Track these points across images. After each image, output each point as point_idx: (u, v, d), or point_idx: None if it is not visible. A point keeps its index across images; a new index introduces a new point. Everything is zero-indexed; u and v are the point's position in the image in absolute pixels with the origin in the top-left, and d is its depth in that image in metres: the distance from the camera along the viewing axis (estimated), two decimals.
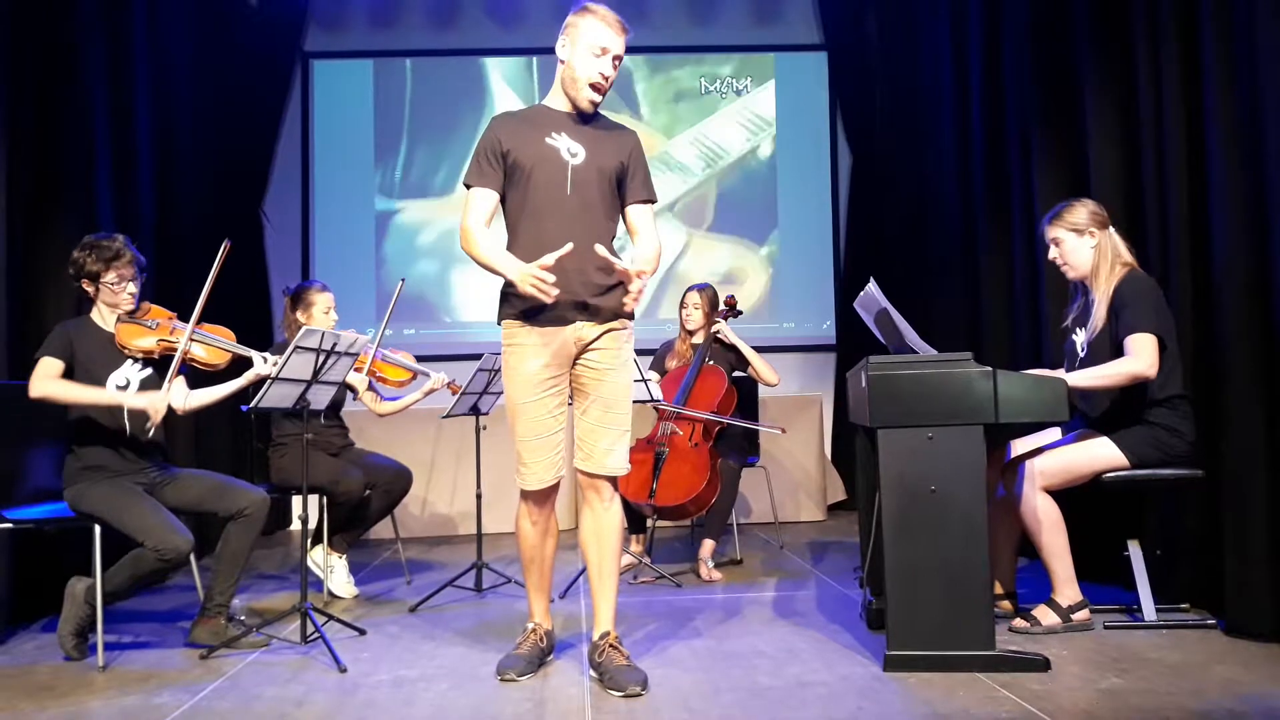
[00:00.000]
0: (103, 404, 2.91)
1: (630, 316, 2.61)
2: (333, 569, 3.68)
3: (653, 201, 2.67)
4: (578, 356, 2.58)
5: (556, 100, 2.62)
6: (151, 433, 2.96)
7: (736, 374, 4.20)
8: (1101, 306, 2.94)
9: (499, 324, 2.61)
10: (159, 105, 4.42)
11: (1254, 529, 2.73)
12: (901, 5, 5.61)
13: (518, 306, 2.53)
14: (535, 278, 2.35)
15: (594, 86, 2.54)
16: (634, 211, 2.65)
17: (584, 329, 2.54)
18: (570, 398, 2.64)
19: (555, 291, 2.37)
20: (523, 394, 2.55)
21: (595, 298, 2.54)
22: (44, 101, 3.55)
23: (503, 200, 2.59)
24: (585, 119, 2.60)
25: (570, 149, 2.55)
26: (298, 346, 2.80)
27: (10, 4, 3.31)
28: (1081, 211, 3.00)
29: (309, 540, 3.17)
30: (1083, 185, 3.56)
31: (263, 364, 3.06)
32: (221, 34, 5.26)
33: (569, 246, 2.39)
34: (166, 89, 4.51)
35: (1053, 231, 3.04)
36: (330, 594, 3.65)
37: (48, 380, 2.87)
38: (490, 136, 2.57)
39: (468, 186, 2.58)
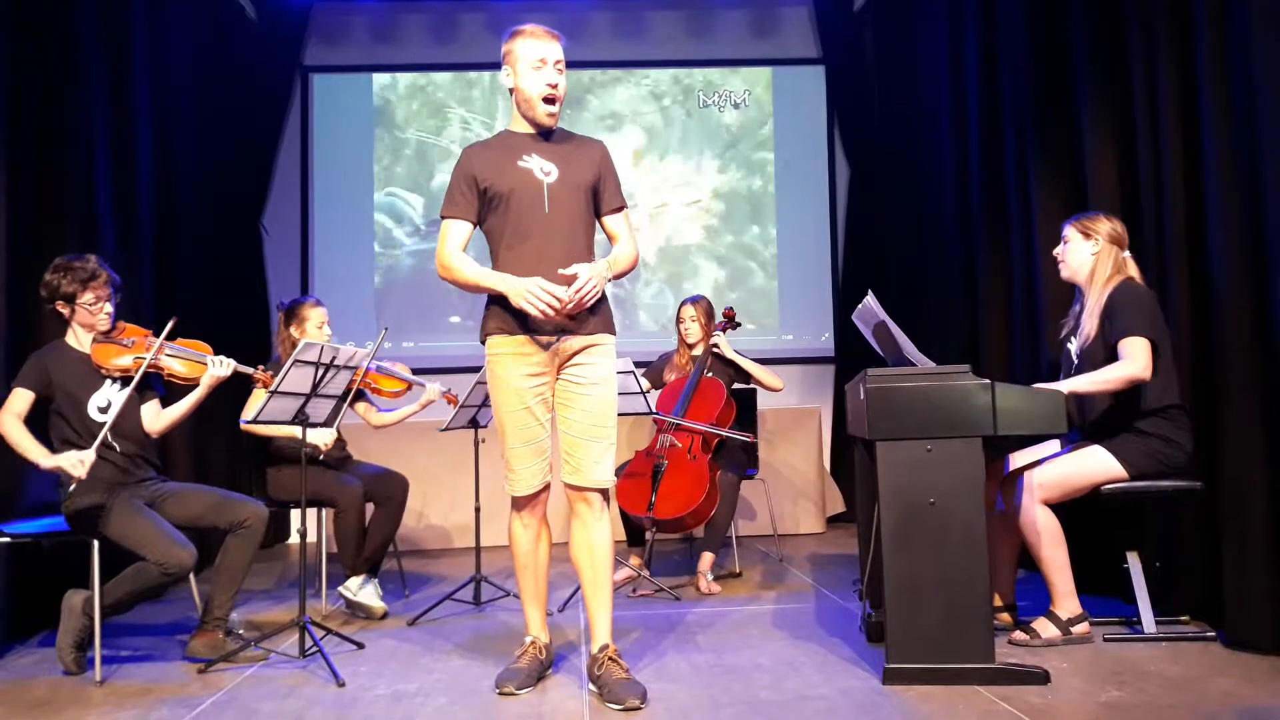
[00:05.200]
0: (28, 459, 2.79)
1: (612, 330, 2.67)
2: (361, 587, 3.58)
3: (625, 207, 2.75)
4: (561, 368, 2.62)
5: (519, 125, 2.69)
6: (72, 487, 2.78)
7: (736, 386, 4.20)
8: (1093, 315, 2.97)
9: (482, 342, 2.66)
10: (159, 119, 4.43)
11: (1253, 540, 2.73)
12: (899, 19, 5.64)
13: (500, 322, 2.60)
14: (530, 293, 2.45)
15: (546, 99, 2.60)
16: (611, 220, 2.74)
17: (565, 341, 2.59)
18: (555, 412, 2.67)
19: (552, 306, 2.47)
20: (508, 403, 2.60)
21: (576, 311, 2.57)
22: (44, 118, 3.56)
23: (483, 228, 2.67)
24: (550, 135, 2.67)
25: (543, 168, 2.61)
26: (297, 360, 2.81)
27: (9, 18, 3.32)
28: (1103, 223, 3.04)
29: (320, 556, 3.16)
30: (1080, 198, 3.57)
31: (217, 366, 3.05)
32: (221, 48, 5.28)
33: (574, 269, 2.51)
34: (166, 103, 4.52)
35: (1067, 229, 3.11)
36: (360, 610, 3.54)
37: (8, 415, 2.84)
38: (463, 168, 2.64)
39: (443, 218, 2.65)
